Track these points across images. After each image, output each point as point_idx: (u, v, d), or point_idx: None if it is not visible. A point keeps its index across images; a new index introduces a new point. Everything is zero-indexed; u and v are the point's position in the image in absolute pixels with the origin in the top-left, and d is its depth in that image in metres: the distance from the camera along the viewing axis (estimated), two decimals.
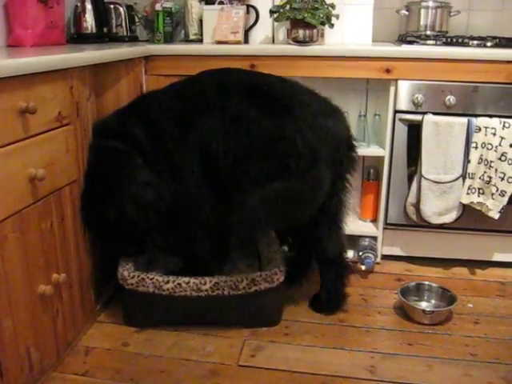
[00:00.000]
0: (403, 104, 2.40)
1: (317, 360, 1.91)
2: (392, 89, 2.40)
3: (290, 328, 2.10)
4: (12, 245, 1.56)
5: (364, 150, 2.55)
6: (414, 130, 2.40)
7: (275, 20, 2.48)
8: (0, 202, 1.49)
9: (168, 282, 2.00)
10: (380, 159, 2.55)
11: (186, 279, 2.00)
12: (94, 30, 2.59)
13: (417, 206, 2.45)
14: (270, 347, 1.99)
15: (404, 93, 2.39)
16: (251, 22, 2.57)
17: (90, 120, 2.04)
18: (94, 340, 2.02)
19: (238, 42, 2.52)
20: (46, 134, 1.71)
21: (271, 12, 2.46)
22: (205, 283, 2.00)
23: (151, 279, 2.00)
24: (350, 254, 2.64)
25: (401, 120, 2.42)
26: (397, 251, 2.64)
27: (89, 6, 2.55)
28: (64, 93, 1.82)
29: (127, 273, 2.02)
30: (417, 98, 2.37)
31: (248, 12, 2.57)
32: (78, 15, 2.56)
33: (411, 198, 2.46)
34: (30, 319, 1.67)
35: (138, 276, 2.01)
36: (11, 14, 2.25)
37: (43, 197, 1.70)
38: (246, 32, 2.58)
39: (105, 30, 2.64)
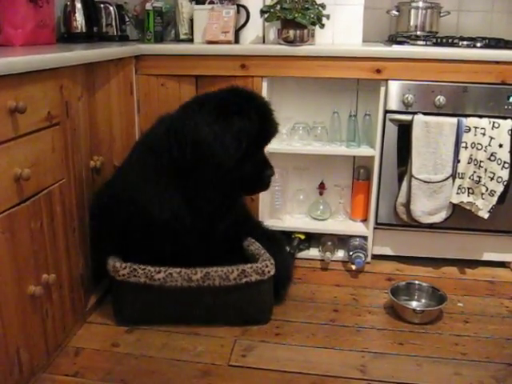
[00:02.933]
0: (393, 104, 2.41)
1: (308, 360, 1.91)
2: (382, 89, 2.41)
3: (280, 328, 2.10)
4: (1, 245, 1.55)
5: (354, 149, 2.56)
6: (405, 130, 2.41)
7: (266, 20, 2.48)
8: None
9: (159, 272, 2.00)
10: (370, 159, 2.56)
11: (178, 269, 2.01)
12: (84, 30, 2.57)
13: (407, 205, 2.45)
14: (260, 347, 1.98)
15: (394, 93, 2.40)
16: (242, 21, 2.57)
17: (81, 120, 2.03)
18: (84, 341, 2.01)
19: (228, 42, 2.52)
20: (35, 133, 1.70)
21: (262, 12, 2.46)
22: (196, 273, 2.00)
23: (143, 269, 2.01)
24: (341, 253, 2.65)
25: (391, 120, 2.43)
26: (387, 251, 2.65)
27: (78, 5, 2.54)
28: (54, 92, 1.81)
29: (119, 264, 2.02)
30: (407, 98, 2.38)
31: (238, 12, 2.57)
32: (68, 14, 2.55)
33: (401, 198, 2.47)
34: (20, 320, 1.66)
35: (130, 266, 2.01)
36: (0, 13, 2.23)
37: (30, 196, 1.68)
38: (237, 32, 2.58)
39: (95, 29, 2.62)
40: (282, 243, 2.40)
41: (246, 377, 1.83)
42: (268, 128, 2.05)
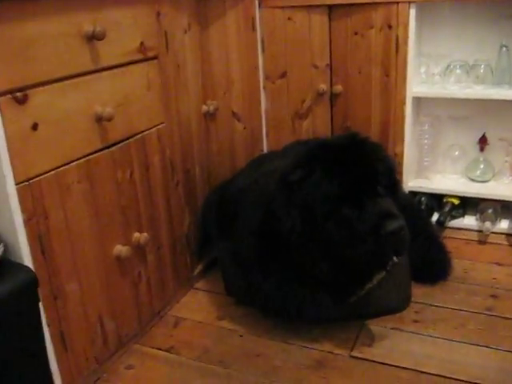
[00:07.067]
0: None
1: (452, 359, 1.50)
2: None
3: (420, 313, 1.70)
4: (77, 196, 1.34)
5: None
6: None
7: None
8: (57, 144, 1.26)
9: None
10: None
11: None
12: None
13: None
14: (393, 336, 1.61)
15: None
16: None
17: (189, 56, 1.78)
18: (187, 310, 1.79)
19: None
20: (123, 67, 1.46)
21: None
22: None
23: None
24: (504, 224, 2.21)
25: None
26: None
27: None
28: (148, 19, 1.56)
29: None
30: None
31: None
32: None
33: None
34: (103, 284, 1.46)
35: None
36: None
37: (117, 142, 1.46)
38: None
39: None
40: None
41: (369, 373, 1.47)
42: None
